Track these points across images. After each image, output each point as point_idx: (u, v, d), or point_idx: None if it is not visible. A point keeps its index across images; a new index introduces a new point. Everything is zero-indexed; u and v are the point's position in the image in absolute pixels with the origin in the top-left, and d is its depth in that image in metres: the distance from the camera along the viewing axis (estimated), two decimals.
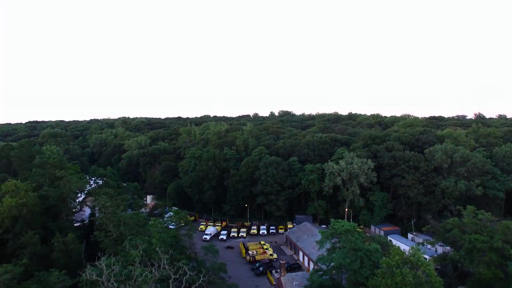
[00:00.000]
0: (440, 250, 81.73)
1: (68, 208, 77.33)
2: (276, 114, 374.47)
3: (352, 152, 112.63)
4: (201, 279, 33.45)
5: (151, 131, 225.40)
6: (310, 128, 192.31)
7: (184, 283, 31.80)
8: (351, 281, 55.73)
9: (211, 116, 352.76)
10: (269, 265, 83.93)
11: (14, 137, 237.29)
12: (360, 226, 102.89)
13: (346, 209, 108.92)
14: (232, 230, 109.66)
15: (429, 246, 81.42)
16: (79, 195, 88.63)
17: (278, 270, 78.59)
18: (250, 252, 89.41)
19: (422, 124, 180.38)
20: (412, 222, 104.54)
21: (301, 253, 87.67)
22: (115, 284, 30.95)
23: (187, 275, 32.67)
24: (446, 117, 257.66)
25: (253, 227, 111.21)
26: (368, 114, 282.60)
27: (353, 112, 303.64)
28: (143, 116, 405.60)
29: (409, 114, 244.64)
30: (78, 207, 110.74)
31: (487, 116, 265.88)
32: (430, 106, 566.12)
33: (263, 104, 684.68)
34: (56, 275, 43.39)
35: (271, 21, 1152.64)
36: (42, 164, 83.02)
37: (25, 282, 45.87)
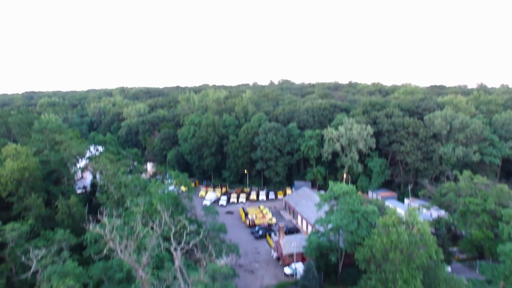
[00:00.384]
0: (435, 215, 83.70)
1: (69, 173, 78.24)
2: (276, 83, 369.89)
3: (351, 118, 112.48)
4: (201, 234, 34.51)
5: (149, 99, 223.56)
6: (310, 95, 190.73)
7: (185, 237, 32.78)
8: (348, 241, 57.42)
9: (210, 85, 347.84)
10: (268, 229, 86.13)
11: (11, 106, 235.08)
12: (358, 192, 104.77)
13: (345, 175, 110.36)
14: (232, 196, 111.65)
15: (424, 210, 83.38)
16: (80, 161, 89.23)
17: (277, 233, 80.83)
18: (249, 216, 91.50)
19: (423, 92, 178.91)
20: (409, 187, 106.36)
21: (299, 217, 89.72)
22: (117, 238, 31.88)
23: (187, 230, 33.67)
24: (448, 86, 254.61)
25: (252, 193, 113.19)
26: (369, 83, 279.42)
27: (353, 81, 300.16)
28: (141, 86, 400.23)
29: (410, 83, 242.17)
30: (80, 174, 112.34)
31: (490, 86, 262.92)
32: (432, 77, 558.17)
33: (263, 74, 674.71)
34: (61, 233, 44.63)
35: None
36: (41, 129, 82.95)
37: (32, 240, 47.21)
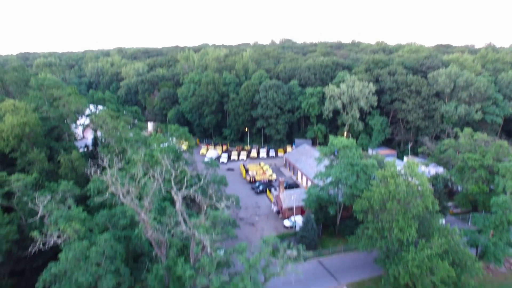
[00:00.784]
0: (433, 172, 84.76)
1: (70, 130, 78.40)
2: (277, 42, 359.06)
3: (353, 76, 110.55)
4: (202, 181, 35.17)
5: (148, 59, 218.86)
6: (312, 54, 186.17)
7: (185, 183, 33.37)
8: (347, 195, 58.53)
9: (210, 44, 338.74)
10: (269, 184, 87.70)
11: (6, 67, 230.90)
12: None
13: (345, 133, 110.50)
14: (233, 154, 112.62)
15: (423, 167, 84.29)
16: (80, 118, 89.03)
17: (277, 188, 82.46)
18: (250, 172, 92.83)
19: (428, 51, 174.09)
20: (409, 146, 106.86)
21: (299, 174, 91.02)
22: (119, 183, 32.44)
23: (188, 175, 34.24)
24: (454, 45, 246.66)
25: (253, 151, 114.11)
26: (373, 43, 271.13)
27: (356, 41, 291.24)
28: (140, 46, 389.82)
29: (415, 42, 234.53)
30: (82, 134, 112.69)
31: (498, 46, 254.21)
32: (438, 37, 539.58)
33: (264, 33, 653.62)
34: (65, 184, 45.45)
35: None
36: (38, 86, 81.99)
37: (37, 192, 48.30)
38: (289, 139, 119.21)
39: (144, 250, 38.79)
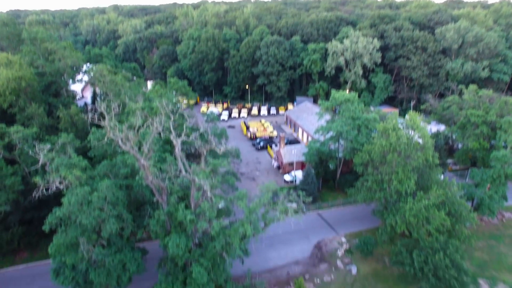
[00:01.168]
0: (434, 130, 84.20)
1: (67, 85, 77.04)
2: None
3: (358, 31, 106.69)
4: (201, 129, 34.98)
5: (145, 16, 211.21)
6: (315, 9, 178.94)
7: (184, 129, 33.10)
8: (348, 149, 58.48)
9: (209, 1, 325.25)
10: (269, 141, 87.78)
11: None
12: None
13: (347, 91, 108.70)
14: (233, 111, 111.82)
15: (424, 125, 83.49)
16: (77, 74, 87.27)
17: (278, 144, 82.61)
18: (251, 129, 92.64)
19: (438, 6, 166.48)
20: (412, 103, 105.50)
21: (300, 130, 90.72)
22: (117, 128, 32.18)
23: (187, 121, 33.92)
24: (466, 1, 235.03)
25: (254, 108, 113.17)
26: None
27: None
28: (136, 4, 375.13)
29: None
30: (81, 94, 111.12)
31: None
32: None
33: None
34: (65, 136, 45.33)
35: None
36: (31, 39, 79.29)
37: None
38: (290, 97, 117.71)
39: (145, 198, 39.41)
